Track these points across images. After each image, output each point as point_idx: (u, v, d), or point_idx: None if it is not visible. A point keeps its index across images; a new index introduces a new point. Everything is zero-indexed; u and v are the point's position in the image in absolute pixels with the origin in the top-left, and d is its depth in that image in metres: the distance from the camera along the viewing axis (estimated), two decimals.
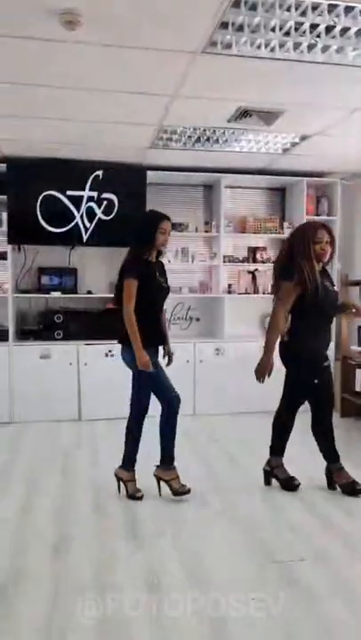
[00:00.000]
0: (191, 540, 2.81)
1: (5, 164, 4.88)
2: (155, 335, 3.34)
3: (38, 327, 5.26)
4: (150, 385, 3.29)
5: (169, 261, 4.95)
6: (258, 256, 5.67)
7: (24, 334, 5.25)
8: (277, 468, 3.50)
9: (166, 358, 3.46)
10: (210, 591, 2.32)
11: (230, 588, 2.34)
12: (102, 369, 5.08)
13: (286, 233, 5.63)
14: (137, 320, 3.19)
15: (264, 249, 5.73)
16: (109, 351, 5.12)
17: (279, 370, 3.34)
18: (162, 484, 3.33)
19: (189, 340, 5.40)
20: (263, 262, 5.68)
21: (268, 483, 3.54)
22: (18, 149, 4.71)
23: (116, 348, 5.01)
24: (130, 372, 3.18)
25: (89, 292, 5.34)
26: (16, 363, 5.03)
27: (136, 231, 3.37)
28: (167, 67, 2.97)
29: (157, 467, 3.35)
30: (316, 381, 3.32)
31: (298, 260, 3.19)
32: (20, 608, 2.21)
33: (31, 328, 5.29)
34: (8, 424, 4.95)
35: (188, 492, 3.29)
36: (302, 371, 3.34)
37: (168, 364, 3.45)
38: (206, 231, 5.56)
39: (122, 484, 3.36)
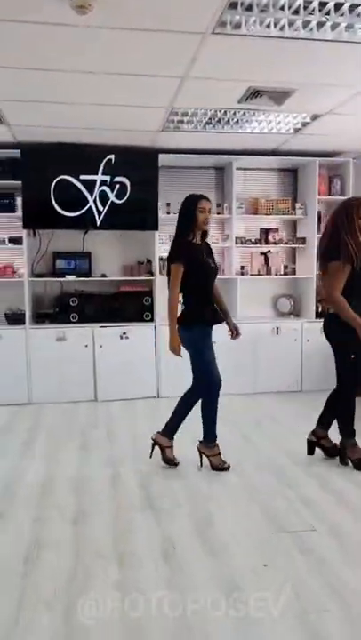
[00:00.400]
0: (206, 512, 2.90)
1: (19, 150, 4.93)
2: (208, 315, 3.38)
3: (54, 310, 5.35)
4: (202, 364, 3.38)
5: None
6: (270, 237, 5.68)
7: (40, 317, 5.35)
8: (324, 438, 3.63)
9: (231, 333, 3.61)
10: (224, 558, 2.42)
11: (244, 556, 2.45)
12: (117, 351, 5.18)
13: (298, 214, 5.66)
14: (189, 302, 3.32)
15: (276, 230, 5.73)
16: (124, 333, 5.22)
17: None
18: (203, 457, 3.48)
19: None
20: (275, 244, 5.69)
21: (311, 452, 3.65)
22: (31, 135, 4.75)
23: (130, 329, 5.18)
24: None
25: (103, 276, 5.42)
26: (33, 345, 5.14)
27: (178, 216, 3.45)
28: (177, 48, 2.99)
29: (200, 441, 3.48)
30: (353, 356, 3.32)
31: (343, 235, 3.22)
32: (41, 576, 2.32)
33: (47, 311, 5.38)
34: (27, 405, 5.07)
35: (227, 468, 3.42)
36: (348, 341, 3.30)
37: (235, 337, 3.59)
38: (218, 213, 5.57)
39: (157, 448, 3.48)
